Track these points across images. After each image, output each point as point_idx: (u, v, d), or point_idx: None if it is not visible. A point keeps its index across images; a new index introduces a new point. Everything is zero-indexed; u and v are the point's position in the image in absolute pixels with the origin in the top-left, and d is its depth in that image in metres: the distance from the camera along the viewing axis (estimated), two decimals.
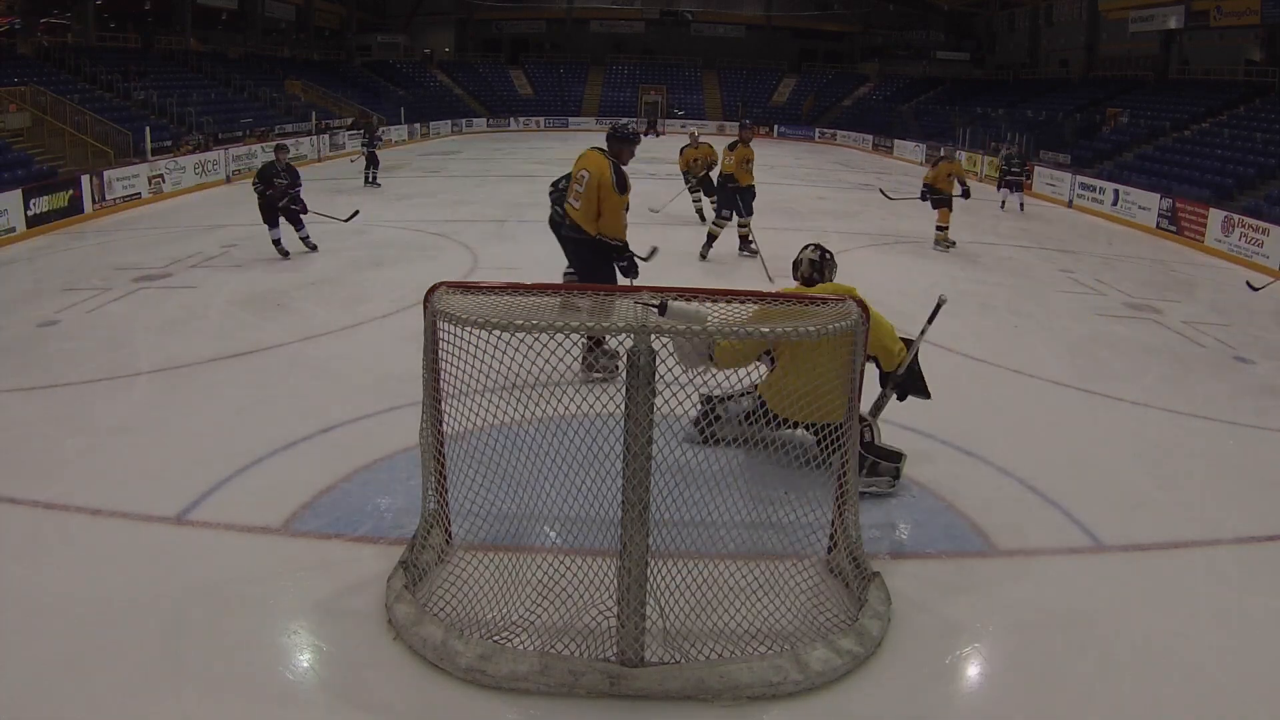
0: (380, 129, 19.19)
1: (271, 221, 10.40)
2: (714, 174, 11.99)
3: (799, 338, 3.23)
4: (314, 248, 10.67)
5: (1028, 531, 4.40)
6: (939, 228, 12.23)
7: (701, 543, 3.71)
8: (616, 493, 3.16)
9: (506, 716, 3.05)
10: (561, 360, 3.18)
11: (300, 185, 10.54)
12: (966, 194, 12.16)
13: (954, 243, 12.11)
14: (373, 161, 17.56)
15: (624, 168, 6.05)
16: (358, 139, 21.88)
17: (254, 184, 10.38)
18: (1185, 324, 8.57)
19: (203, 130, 20.03)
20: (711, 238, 10.52)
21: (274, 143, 12.93)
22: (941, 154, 12.89)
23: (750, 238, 10.73)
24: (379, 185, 17.19)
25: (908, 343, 4.95)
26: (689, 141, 13.65)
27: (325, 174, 19.41)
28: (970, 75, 36.38)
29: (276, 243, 10.46)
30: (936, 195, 12.12)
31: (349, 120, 27.30)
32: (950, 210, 12.14)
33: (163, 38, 27.67)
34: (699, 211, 13.27)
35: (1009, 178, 17.16)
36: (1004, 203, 17.19)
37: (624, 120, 6.70)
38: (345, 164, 20.73)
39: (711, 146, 13.07)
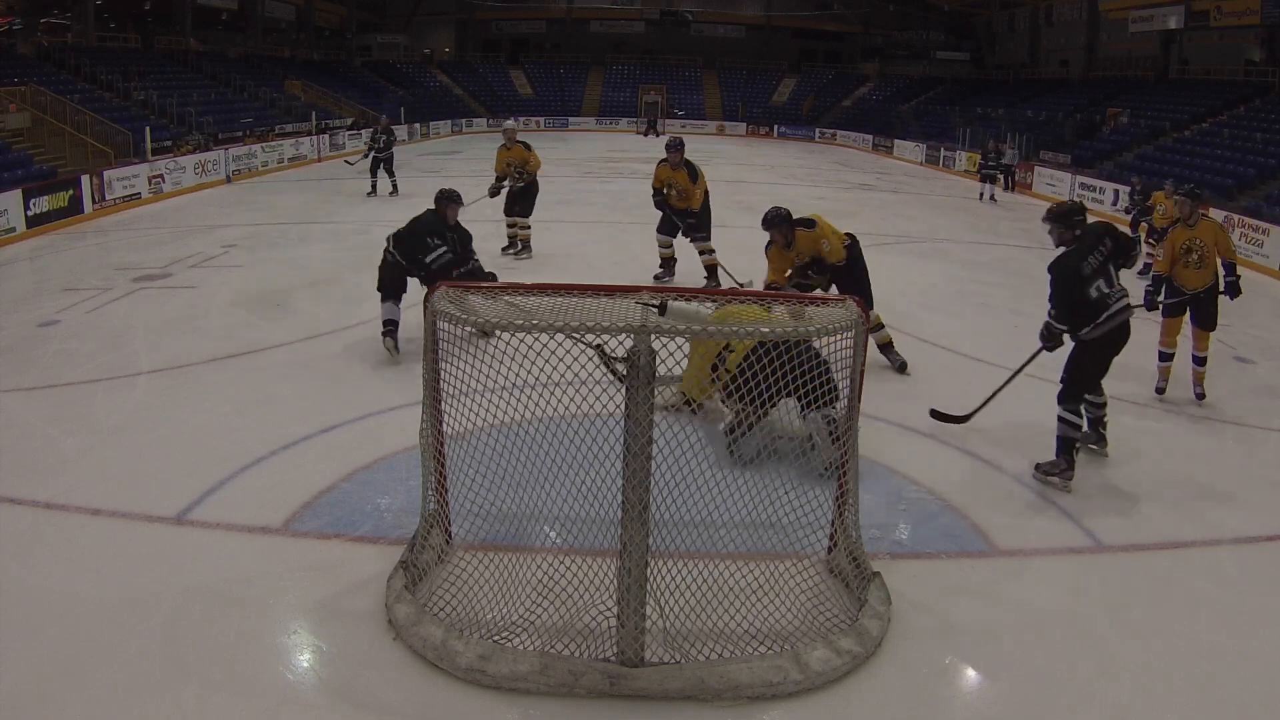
0: (383, 131, 15.90)
1: (396, 286, 6.66)
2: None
3: (798, 337, 3.24)
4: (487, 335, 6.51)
5: (1028, 531, 4.40)
6: (1197, 359, 6.37)
7: (701, 543, 3.71)
8: (616, 493, 3.16)
9: (506, 716, 3.05)
10: (561, 360, 3.18)
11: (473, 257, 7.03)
12: (1233, 287, 6.41)
13: (1203, 394, 6.36)
14: (388, 167, 15.67)
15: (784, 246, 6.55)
16: (360, 140, 19.02)
17: (391, 254, 6.64)
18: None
19: (203, 130, 20.02)
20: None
21: (446, 188, 7.08)
22: (1169, 201, 7.20)
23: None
24: (397, 193, 15.50)
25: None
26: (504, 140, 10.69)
27: (325, 174, 19.43)
28: (970, 75, 36.38)
29: (391, 329, 6.58)
30: (1179, 296, 6.33)
31: (349, 120, 27.29)
32: (1211, 328, 6.32)
33: (163, 38, 27.68)
34: (511, 240, 10.70)
35: (984, 171, 18.41)
36: (981, 194, 18.26)
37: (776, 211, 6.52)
38: (348, 164, 20.13)
39: (525, 147, 10.50)
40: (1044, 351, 5.10)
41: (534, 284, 3.40)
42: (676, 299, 3.25)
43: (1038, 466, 4.92)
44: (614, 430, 3.21)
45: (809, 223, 6.51)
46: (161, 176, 15.97)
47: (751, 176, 21.11)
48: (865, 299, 6.48)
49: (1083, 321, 4.80)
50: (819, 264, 6.49)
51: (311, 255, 10.59)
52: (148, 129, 17.59)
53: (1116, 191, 16.90)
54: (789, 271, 6.56)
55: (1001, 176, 19.13)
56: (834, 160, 27.39)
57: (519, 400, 3.39)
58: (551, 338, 3.10)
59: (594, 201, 16.07)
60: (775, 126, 37.29)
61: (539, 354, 3.18)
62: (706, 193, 8.86)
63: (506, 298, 3.36)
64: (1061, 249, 4.95)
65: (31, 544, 4.07)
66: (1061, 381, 4.97)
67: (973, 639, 3.55)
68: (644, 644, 3.17)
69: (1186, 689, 3.31)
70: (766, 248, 6.66)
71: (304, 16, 35.32)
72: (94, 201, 13.86)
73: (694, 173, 8.79)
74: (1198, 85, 23.60)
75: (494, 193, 10.36)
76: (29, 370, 6.39)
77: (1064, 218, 4.95)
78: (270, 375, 6.38)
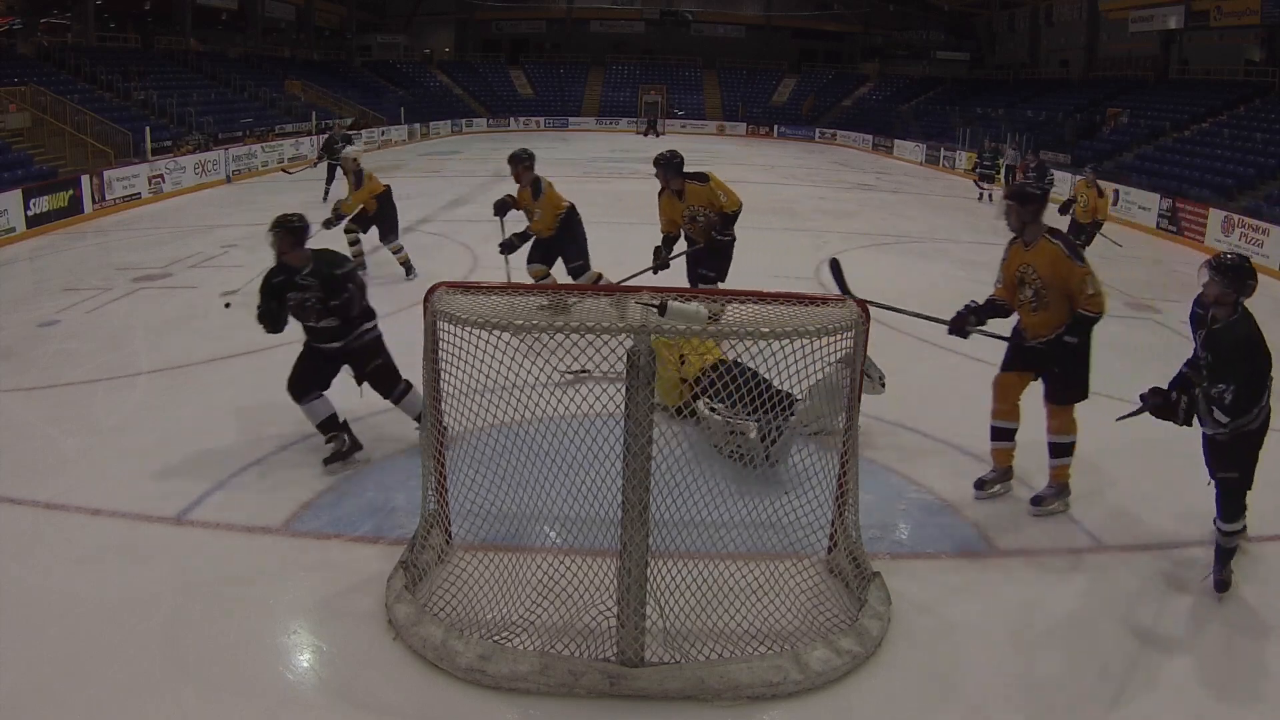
0: (341, 135, 14.77)
1: (313, 381, 4.91)
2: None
3: (798, 337, 3.24)
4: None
5: (1028, 531, 4.40)
6: (1050, 446, 4.53)
7: (701, 543, 3.70)
8: (616, 493, 3.16)
9: (506, 716, 3.05)
10: (561, 360, 3.17)
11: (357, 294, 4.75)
12: (1063, 350, 4.37)
13: (1041, 499, 4.61)
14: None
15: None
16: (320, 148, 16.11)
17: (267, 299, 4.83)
18: (1185, 324, 8.53)
19: (203, 130, 20.02)
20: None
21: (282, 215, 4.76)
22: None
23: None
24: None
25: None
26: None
27: (323, 174, 19.38)
28: (970, 75, 36.38)
29: (338, 437, 4.86)
30: (1016, 342, 4.59)
31: (349, 120, 27.28)
32: (1061, 401, 4.50)
33: (163, 38, 27.67)
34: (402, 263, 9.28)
35: (982, 170, 18.49)
36: (980, 195, 18.25)
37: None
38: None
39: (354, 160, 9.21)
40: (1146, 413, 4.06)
41: (534, 284, 3.40)
42: (676, 299, 3.25)
43: (1218, 586, 3.87)
44: (614, 430, 3.21)
45: (702, 177, 6.73)
46: (161, 176, 15.97)
47: (751, 177, 21.10)
48: (722, 273, 6.95)
49: (1253, 403, 3.69)
50: (725, 220, 6.75)
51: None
52: (148, 129, 17.59)
53: (1116, 191, 16.90)
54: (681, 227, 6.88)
55: (1000, 176, 19.14)
56: (834, 160, 27.39)
57: (519, 400, 3.39)
58: (551, 338, 3.10)
59: (595, 202, 15.99)
60: (775, 126, 37.28)
61: (539, 354, 3.19)
62: (568, 212, 7.17)
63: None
64: (1219, 312, 3.79)
65: (31, 544, 4.07)
66: (1227, 494, 3.84)
67: (973, 639, 3.55)
68: (644, 644, 3.17)
69: (1186, 689, 3.31)
70: (659, 195, 6.97)
71: (304, 16, 35.31)
72: (94, 201, 13.86)
73: (538, 190, 7.05)
74: (1198, 85, 23.59)
75: (330, 224, 8.65)
76: (29, 370, 6.39)
77: (1242, 275, 3.71)
78: (270, 375, 6.35)
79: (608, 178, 20.18)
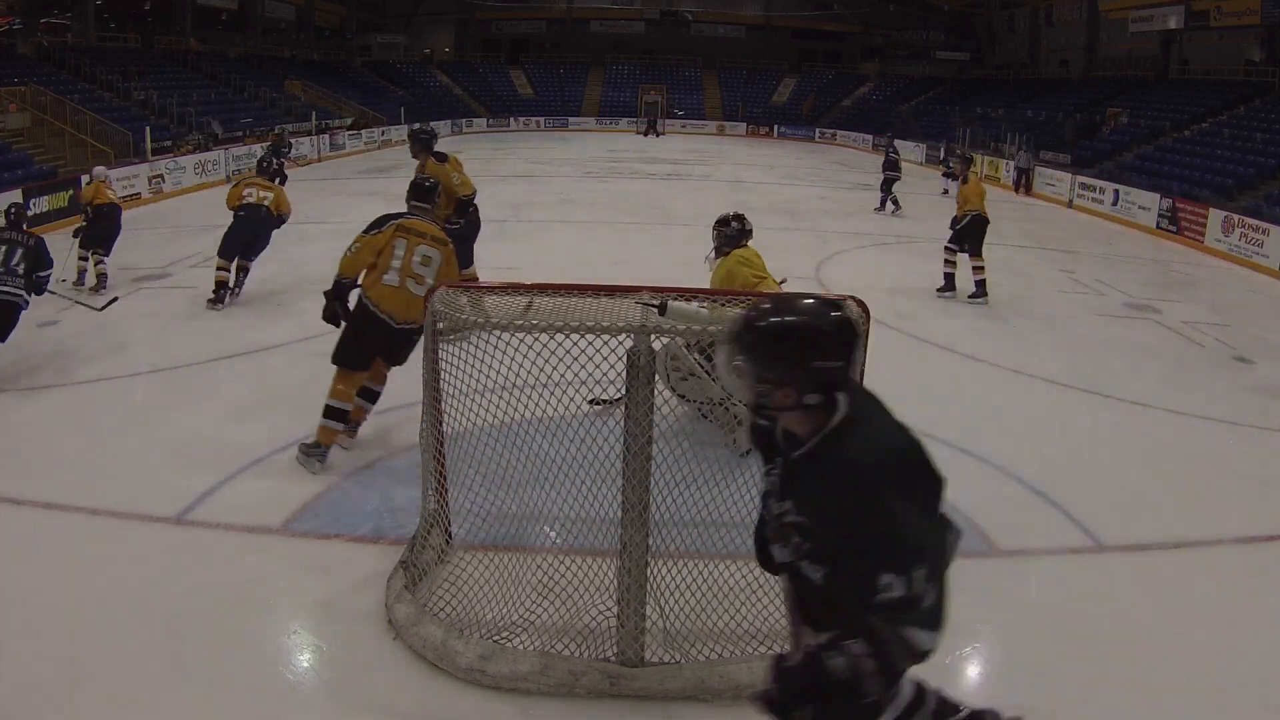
0: (287, 145, 15.55)
1: None
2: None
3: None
4: None
5: (1028, 531, 4.40)
6: None
7: (701, 543, 3.70)
8: (616, 493, 3.16)
9: (506, 716, 3.05)
10: (561, 360, 3.17)
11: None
12: None
13: None
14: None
15: None
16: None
17: None
18: (1185, 324, 8.57)
19: (204, 130, 20.02)
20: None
21: None
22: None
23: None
24: None
25: None
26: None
27: (325, 174, 19.43)
28: (970, 75, 36.38)
29: None
30: None
31: (349, 120, 27.27)
32: None
33: (163, 38, 27.68)
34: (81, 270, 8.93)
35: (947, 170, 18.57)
36: (946, 190, 17.87)
37: None
38: (344, 164, 19.94)
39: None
40: None
41: (534, 284, 3.40)
42: (676, 299, 3.24)
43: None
44: (614, 430, 3.21)
45: (443, 156, 7.07)
46: (161, 176, 15.96)
47: (751, 176, 21.13)
48: (466, 257, 7.00)
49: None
50: (457, 206, 6.89)
51: (311, 255, 10.57)
52: (148, 129, 17.59)
53: (1116, 191, 16.91)
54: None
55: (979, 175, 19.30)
56: (834, 160, 27.39)
57: (519, 400, 3.39)
58: (551, 338, 3.10)
59: (594, 201, 16.09)
60: (775, 126, 37.26)
61: (539, 354, 3.18)
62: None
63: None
64: (794, 422, 1.95)
65: (31, 544, 4.07)
66: None
67: (973, 639, 3.55)
68: (644, 644, 3.17)
69: (1186, 689, 3.30)
70: None
71: (304, 16, 35.32)
72: None
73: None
74: (1198, 85, 23.59)
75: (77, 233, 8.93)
76: (29, 370, 6.39)
77: (799, 338, 1.93)
78: (269, 375, 6.38)
79: (608, 177, 20.19)
